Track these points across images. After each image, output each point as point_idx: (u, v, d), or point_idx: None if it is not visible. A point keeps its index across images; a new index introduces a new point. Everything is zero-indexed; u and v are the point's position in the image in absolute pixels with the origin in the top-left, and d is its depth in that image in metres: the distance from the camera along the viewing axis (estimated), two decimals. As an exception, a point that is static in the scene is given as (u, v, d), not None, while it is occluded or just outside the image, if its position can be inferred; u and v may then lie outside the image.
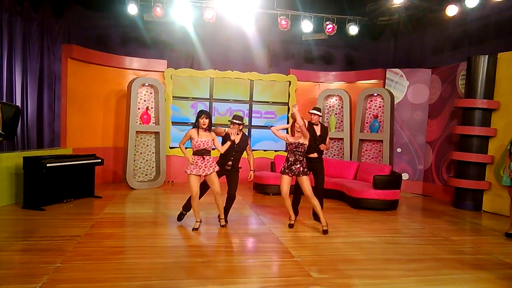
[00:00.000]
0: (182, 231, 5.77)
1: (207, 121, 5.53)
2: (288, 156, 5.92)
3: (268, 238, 5.56)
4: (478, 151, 7.97)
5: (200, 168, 5.54)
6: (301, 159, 5.83)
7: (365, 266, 4.54)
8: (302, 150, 5.80)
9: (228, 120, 6.00)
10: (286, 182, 5.91)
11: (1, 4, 7.06)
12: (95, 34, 9.63)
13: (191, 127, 5.70)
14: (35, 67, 8.03)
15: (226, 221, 6.04)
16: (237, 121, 5.85)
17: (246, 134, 5.96)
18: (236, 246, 5.31)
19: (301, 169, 5.80)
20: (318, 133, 6.34)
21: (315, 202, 5.84)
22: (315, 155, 6.30)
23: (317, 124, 6.42)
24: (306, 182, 5.79)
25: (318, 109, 6.45)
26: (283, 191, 5.93)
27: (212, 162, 5.66)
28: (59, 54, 8.57)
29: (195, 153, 5.57)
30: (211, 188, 5.73)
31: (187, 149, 5.67)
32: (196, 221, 5.78)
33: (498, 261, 4.87)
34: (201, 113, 5.56)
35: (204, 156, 5.57)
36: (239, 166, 6.04)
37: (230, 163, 5.89)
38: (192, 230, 5.72)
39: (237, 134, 5.88)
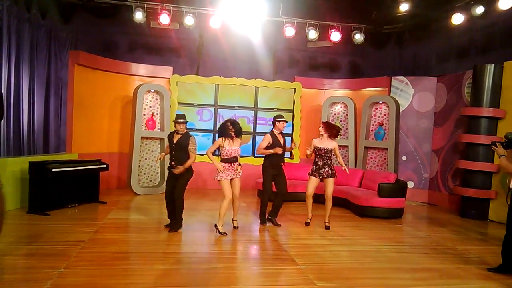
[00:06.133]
0: (186, 238, 5.77)
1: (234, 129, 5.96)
2: (317, 160, 6.47)
3: (272, 246, 5.55)
4: (484, 159, 7.91)
5: (228, 174, 5.96)
6: (329, 162, 6.42)
7: (370, 275, 4.51)
8: (330, 155, 6.39)
9: (173, 121, 6.05)
10: (312, 184, 6.50)
11: (10, 11, 7.15)
12: (102, 41, 9.72)
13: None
14: (42, 73, 8.10)
15: (174, 227, 6.04)
16: (181, 120, 5.88)
17: (190, 134, 6.02)
18: (240, 253, 5.30)
19: (330, 172, 6.39)
20: (282, 142, 6.54)
21: (331, 203, 6.50)
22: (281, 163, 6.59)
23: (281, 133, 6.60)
24: (331, 184, 6.40)
25: (283, 116, 6.64)
26: (308, 191, 6.53)
27: (238, 168, 6.04)
28: (66, 60, 8.65)
29: (225, 160, 5.97)
30: (233, 192, 6.04)
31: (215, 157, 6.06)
32: (221, 226, 5.95)
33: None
34: (227, 122, 6.00)
35: (232, 163, 5.98)
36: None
37: (173, 163, 5.90)
38: (223, 234, 5.87)
39: (179, 134, 5.91)
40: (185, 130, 5.96)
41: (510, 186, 4.80)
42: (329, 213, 6.55)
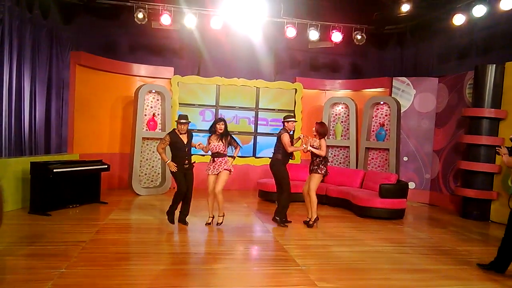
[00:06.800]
0: (187, 238, 5.78)
1: (223, 126, 6.17)
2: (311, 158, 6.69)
3: (273, 246, 5.54)
4: (486, 160, 7.90)
5: (214, 169, 6.17)
6: (315, 158, 6.54)
7: (371, 275, 4.50)
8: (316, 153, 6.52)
9: (175, 121, 6.29)
10: (306, 181, 6.68)
11: (12, 12, 7.16)
12: (103, 41, 9.72)
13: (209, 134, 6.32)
14: (43, 74, 8.11)
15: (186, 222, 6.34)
16: (184, 121, 6.13)
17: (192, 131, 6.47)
18: (241, 254, 5.29)
19: (312, 167, 6.56)
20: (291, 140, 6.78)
21: (310, 199, 6.57)
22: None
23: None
24: (312, 180, 6.51)
25: (292, 116, 6.90)
26: (303, 190, 6.69)
27: (224, 163, 6.16)
28: (68, 61, 8.65)
29: (211, 155, 6.23)
30: (215, 185, 6.14)
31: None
32: (209, 216, 6.36)
33: (508, 272, 4.79)
34: (218, 120, 6.26)
35: (215, 159, 6.15)
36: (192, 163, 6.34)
37: (187, 162, 6.14)
38: (205, 224, 6.32)
39: (182, 134, 6.15)
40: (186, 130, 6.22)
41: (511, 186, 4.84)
42: (311, 210, 6.55)
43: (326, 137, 6.72)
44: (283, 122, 6.74)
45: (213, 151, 6.20)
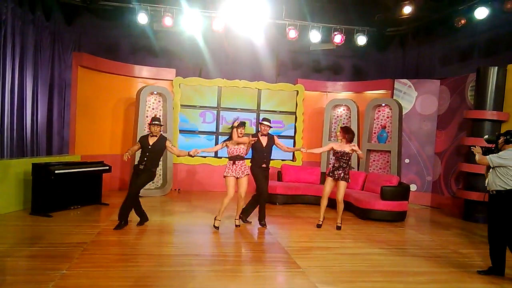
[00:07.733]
0: (188, 240, 5.77)
1: (243, 131, 6.23)
2: (334, 162, 6.69)
3: (274, 248, 5.53)
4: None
5: (234, 171, 6.17)
6: (344, 166, 6.56)
7: (373, 278, 4.49)
8: (347, 158, 6.56)
9: (148, 123, 6.33)
10: (328, 184, 6.66)
11: (14, 13, 7.18)
12: (106, 43, 9.73)
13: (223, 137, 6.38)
14: (46, 75, 8.12)
15: (127, 222, 6.20)
16: (156, 122, 6.14)
17: (165, 137, 6.35)
18: (242, 256, 5.29)
19: (342, 175, 6.52)
20: (265, 143, 6.57)
21: (342, 206, 6.65)
22: (264, 165, 6.55)
23: (265, 135, 6.63)
24: (342, 187, 6.53)
25: (268, 120, 6.68)
26: (323, 191, 6.69)
27: (245, 167, 6.23)
28: (70, 62, 8.66)
29: (230, 158, 6.23)
30: (239, 191, 6.17)
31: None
32: (218, 220, 6.22)
33: (507, 275, 4.78)
34: (239, 125, 6.25)
35: (236, 162, 6.17)
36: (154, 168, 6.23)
37: (144, 163, 6.06)
38: (214, 227, 6.20)
39: (154, 136, 6.13)
40: (160, 133, 6.19)
41: (486, 185, 4.86)
42: (340, 215, 6.72)
43: (334, 138, 6.74)
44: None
45: (233, 154, 6.23)
